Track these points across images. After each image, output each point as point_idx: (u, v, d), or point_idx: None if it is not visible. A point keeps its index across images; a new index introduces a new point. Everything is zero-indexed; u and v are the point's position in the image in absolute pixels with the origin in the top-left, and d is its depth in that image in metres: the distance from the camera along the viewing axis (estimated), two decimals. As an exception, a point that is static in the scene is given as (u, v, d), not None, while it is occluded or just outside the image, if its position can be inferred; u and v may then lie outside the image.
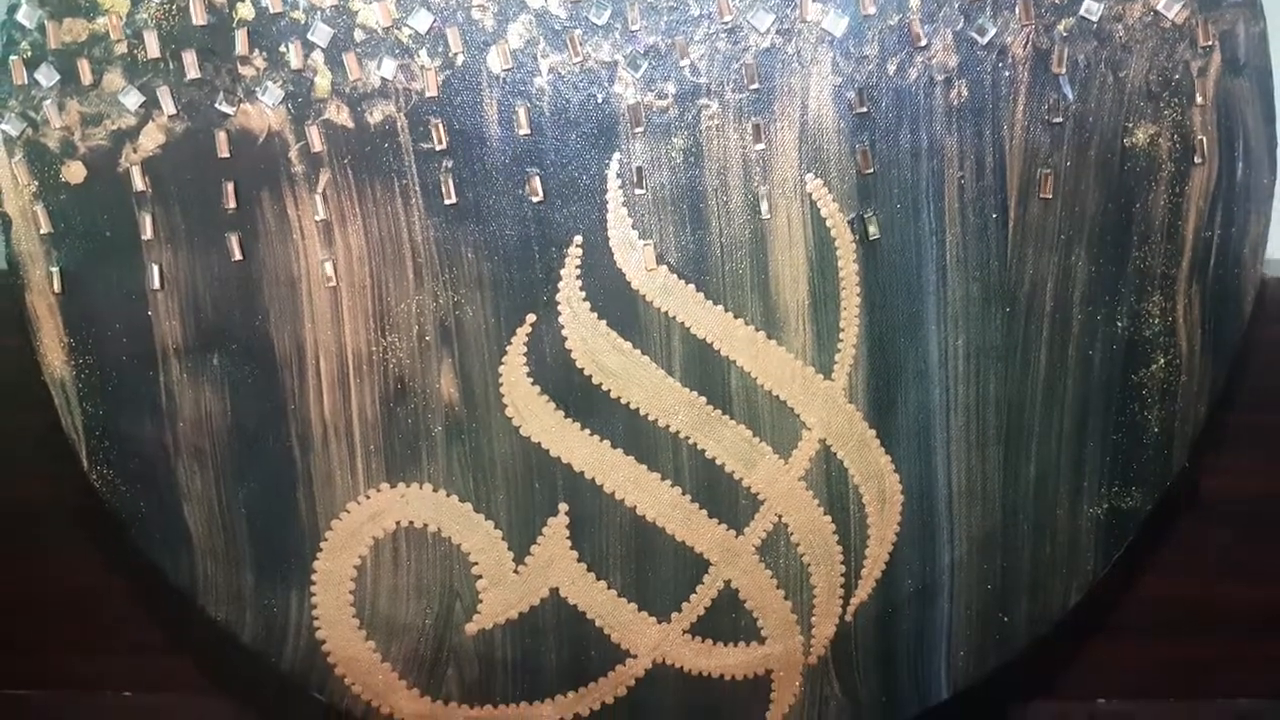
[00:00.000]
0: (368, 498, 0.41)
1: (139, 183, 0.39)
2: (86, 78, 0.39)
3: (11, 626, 0.49)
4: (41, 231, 0.39)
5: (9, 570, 0.49)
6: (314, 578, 0.41)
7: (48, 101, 0.39)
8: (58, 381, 0.40)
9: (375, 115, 0.39)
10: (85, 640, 0.49)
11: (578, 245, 0.40)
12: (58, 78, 0.39)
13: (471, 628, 0.42)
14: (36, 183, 0.39)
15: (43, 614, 0.49)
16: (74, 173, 0.39)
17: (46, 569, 0.48)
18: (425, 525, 0.41)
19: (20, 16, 0.38)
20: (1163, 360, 0.40)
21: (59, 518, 0.48)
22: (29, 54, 0.39)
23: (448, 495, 0.41)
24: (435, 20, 0.39)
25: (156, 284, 0.40)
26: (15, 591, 0.49)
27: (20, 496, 0.47)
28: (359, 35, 0.39)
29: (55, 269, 0.39)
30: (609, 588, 0.42)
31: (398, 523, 0.41)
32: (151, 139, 0.39)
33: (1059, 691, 0.49)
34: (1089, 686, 0.49)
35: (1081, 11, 0.38)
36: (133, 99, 0.39)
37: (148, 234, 0.40)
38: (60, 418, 0.41)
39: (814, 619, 0.42)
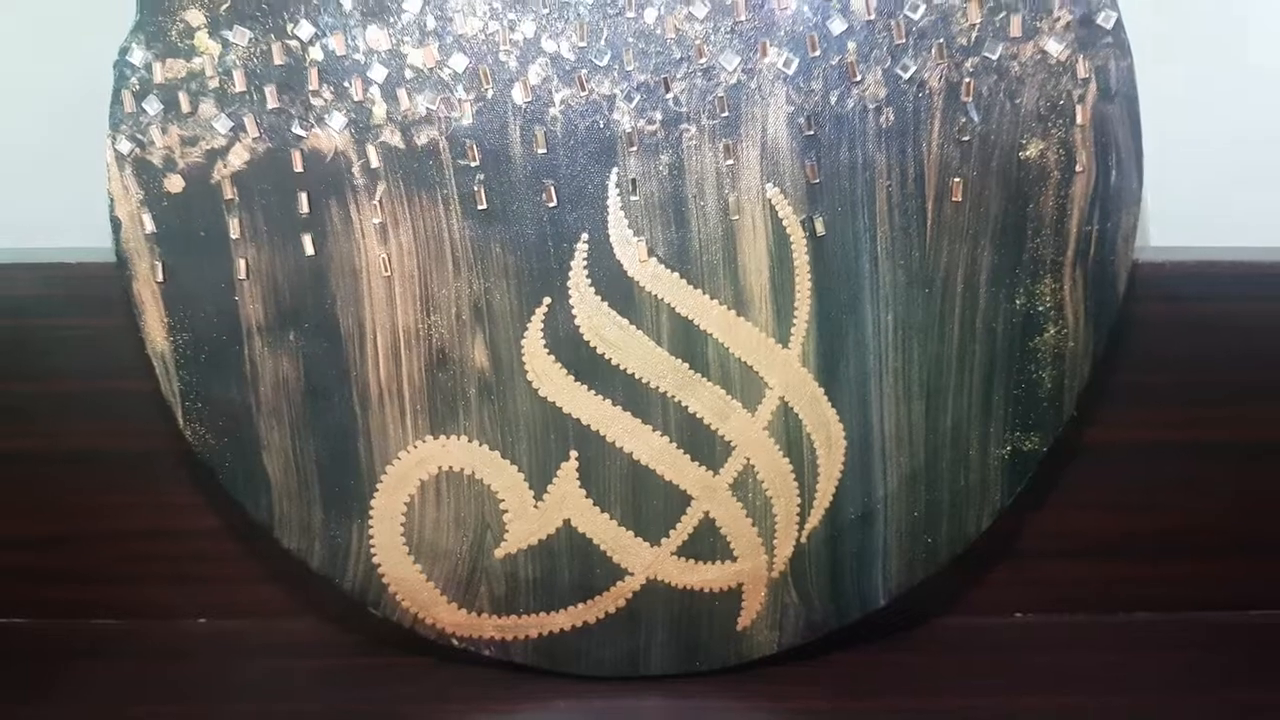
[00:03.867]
0: (415, 447, 0.45)
1: (228, 192, 0.43)
2: (185, 107, 0.42)
3: (101, 562, 0.51)
4: (147, 232, 0.43)
5: (106, 513, 0.51)
6: (371, 513, 0.45)
7: (153, 126, 0.42)
8: (158, 354, 0.44)
9: (422, 138, 0.43)
10: (166, 573, 0.51)
11: (584, 241, 0.44)
12: (161, 107, 0.42)
13: (499, 552, 0.45)
14: (143, 192, 0.43)
15: (130, 551, 0.51)
16: (174, 184, 0.43)
17: (136, 511, 0.51)
18: (462, 469, 0.45)
19: (131, 57, 0.42)
20: (1053, 330, 0.44)
21: (151, 466, 0.50)
22: (137, 87, 0.42)
23: (480, 445, 0.45)
24: (470, 62, 0.43)
25: (243, 274, 0.43)
26: (108, 532, 0.51)
27: (119, 447, 0.50)
28: (409, 74, 0.43)
29: (158, 263, 0.43)
30: (611, 518, 0.45)
31: (439, 468, 0.45)
32: (239, 157, 0.43)
33: (982, 608, 0.51)
34: (1007, 603, 0.52)
35: (984, 52, 0.42)
36: (223, 124, 0.43)
37: (235, 234, 0.43)
38: (159, 384, 0.44)
39: (776, 542, 0.46)
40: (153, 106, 0.43)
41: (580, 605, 0.46)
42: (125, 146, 0.43)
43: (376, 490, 0.45)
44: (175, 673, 0.48)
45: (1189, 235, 0.53)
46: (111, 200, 0.43)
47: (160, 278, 0.43)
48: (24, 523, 0.51)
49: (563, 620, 0.46)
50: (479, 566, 0.46)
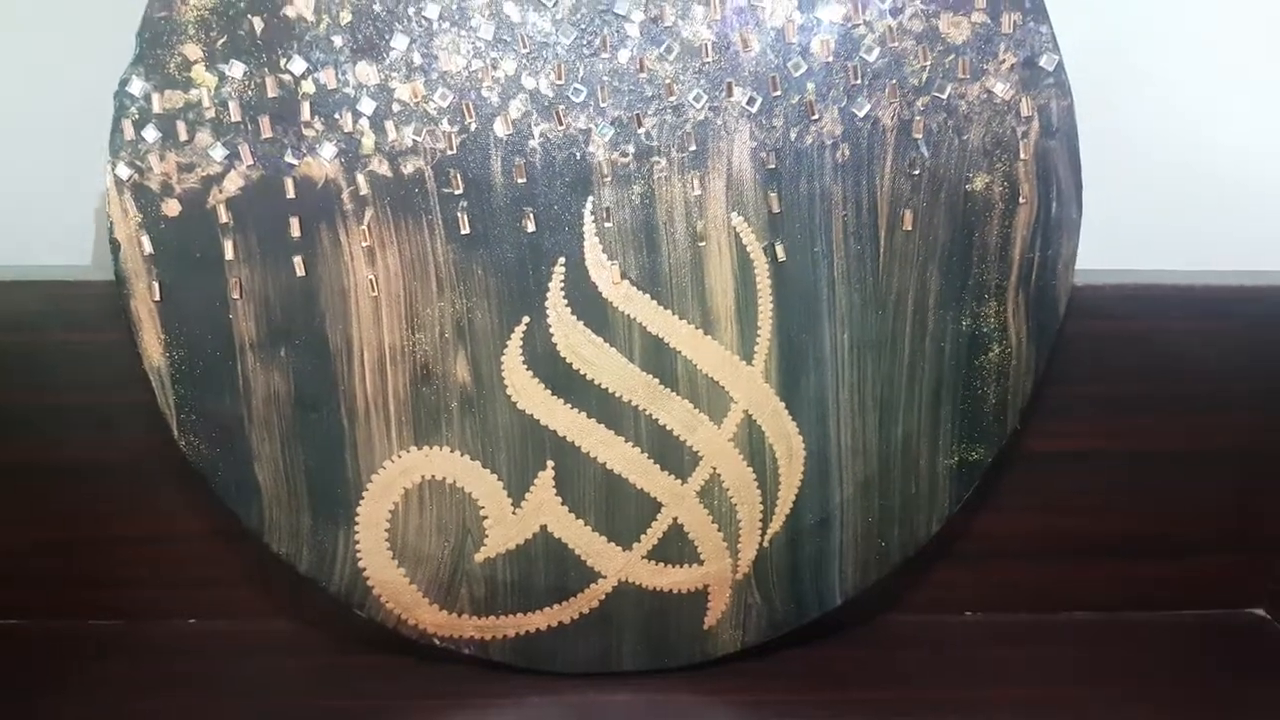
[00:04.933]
0: (400, 457, 0.46)
1: (223, 216, 0.44)
2: (183, 135, 0.44)
3: (100, 566, 0.52)
4: (145, 253, 0.44)
5: (104, 519, 0.51)
6: (357, 519, 0.46)
7: (151, 153, 0.44)
8: (155, 369, 0.45)
9: (408, 167, 0.45)
10: (161, 577, 0.52)
11: (561, 265, 0.45)
12: (159, 135, 0.44)
13: (479, 557, 0.47)
14: (141, 215, 0.44)
15: (127, 555, 0.52)
16: (171, 208, 0.44)
17: (133, 517, 0.51)
18: (444, 478, 0.46)
19: (131, 88, 0.44)
20: (997, 349, 0.46)
21: (145, 474, 0.51)
22: (137, 117, 0.44)
23: (461, 455, 0.46)
24: (454, 97, 0.44)
25: (236, 294, 0.45)
26: (106, 537, 0.52)
27: (115, 457, 0.51)
28: (396, 107, 0.44)
29: (155, 282, 0.44)
30: (585, 524, 0.47)
31: (423, 476, 0.46)
32: (233, 183, 0.44)
33: (932, 607, 0.53)
34: (954, 602, 0.54)
35: (934, 91, 0.45)
36: (219, 152, 0.44)
37: (230, 255, 0.44)
38: (155, 396, 0.45)
39: (740, 546, 0.48)
40: (151, 135, 0.44)
41: (556, 606, 0.48)
42: (125, 172, 0.44)
43: (362, 498, 0.47)
44: (170, 671, 0.49)
45: (1124, 260, 0.54)
46: (111, 223, 0.45)
47: (157, 296, 0.45)
48: (26, 528, 0.52)
49: (539, 621, 0.48)
50: (460, 570, 0.47)
